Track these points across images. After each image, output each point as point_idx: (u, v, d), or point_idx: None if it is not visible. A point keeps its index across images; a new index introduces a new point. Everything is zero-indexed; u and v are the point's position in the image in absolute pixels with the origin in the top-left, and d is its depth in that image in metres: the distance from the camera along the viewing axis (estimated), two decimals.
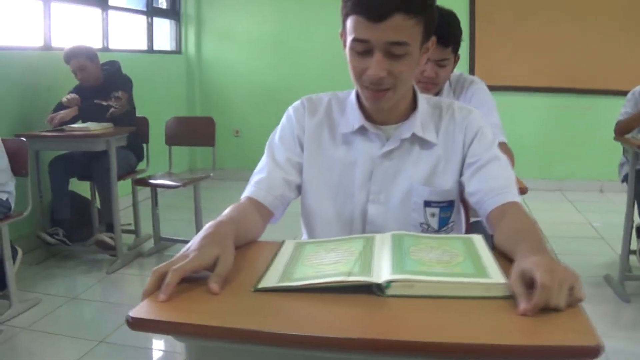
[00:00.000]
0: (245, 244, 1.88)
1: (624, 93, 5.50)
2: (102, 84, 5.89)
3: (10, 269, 4.59)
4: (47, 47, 6.53)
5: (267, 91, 9.42)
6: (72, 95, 5.70)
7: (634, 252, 5.24)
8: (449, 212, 2.13)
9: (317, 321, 1.40)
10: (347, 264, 1.57)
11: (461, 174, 2.11)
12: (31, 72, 6.13)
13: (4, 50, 5.94)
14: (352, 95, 2.19)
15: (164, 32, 9.40)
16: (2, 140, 4.64)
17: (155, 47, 8.99)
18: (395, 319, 1.40)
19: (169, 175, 6.19)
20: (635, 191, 5.07)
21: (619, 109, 5.42)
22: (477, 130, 2.11)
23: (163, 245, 6.12)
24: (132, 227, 6.37)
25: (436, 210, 2.10)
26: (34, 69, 6.18)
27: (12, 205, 4.65)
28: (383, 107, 2.03)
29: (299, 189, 2.19)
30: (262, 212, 2.07)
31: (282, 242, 1.88)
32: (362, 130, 2.12)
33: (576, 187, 8.63)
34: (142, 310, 1.43)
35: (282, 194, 2.11)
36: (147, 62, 8.37)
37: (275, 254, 1.77)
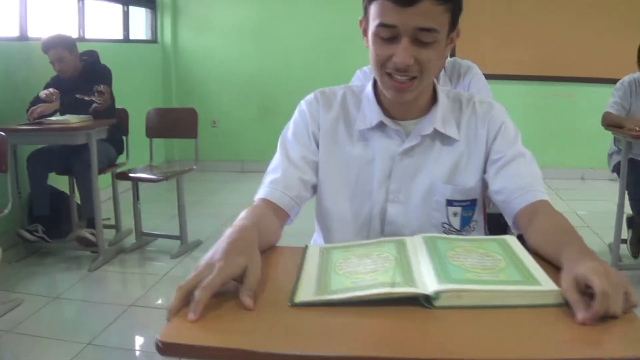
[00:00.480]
0: (265, 249, 1.74)
1: (607, 81, 5.46)
2: (80, 74, 5.73)
3: None
4: (23, 38, 6.37)
5: (246, 81, 9.31)
6: (51, 90, 5.52)
7: (624, 242, 5.19)
8: (472, 211, 2.04)
9: (370, 340, 1.28)
10: (386, 273, 1.47)
11: (484, 171, 2.02)
12: (7, 64, 5.98)
13: None
14: (368, 89, 2.08)
15: (139, 21, 9.22)
16: None
17: (131, 37, 8.84)
18: (449, 333, 1.28)
19: (149, 168, 6.04)
20: (627, 180, 5.01)
21: (602, 97, 5.37)
22: (500, 125, 2.02)
23: (145, 240, 5.98)
24: (111, 222, 6.24)
25: (458, 210, 2.02)
26: (9, 60, 6.03)
27: None
28: (406, 98, 1.91)
29: (314, 188, 2.09)
30: (278, 214, 1.95)
31: (305, 248, 1.76)
32: (380, 126, 2.02)
33: (558, 175, 8.54)
34: (171, 333, 1.28)
35: (298, 194, 2.00)
36: (123, 52, 8.19)
37: (302, 262, 1.64)
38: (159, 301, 4.83)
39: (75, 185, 6.03)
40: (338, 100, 2.11)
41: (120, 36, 8.53)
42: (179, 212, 5.80)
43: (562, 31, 8.36)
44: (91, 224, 5.58)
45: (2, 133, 4.65)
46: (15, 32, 6.32)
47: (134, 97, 7.44)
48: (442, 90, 2.07)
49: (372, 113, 2.03)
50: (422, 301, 1.36)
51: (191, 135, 5.95)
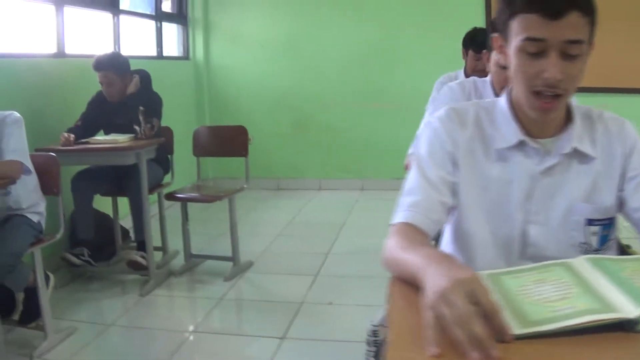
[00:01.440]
0: None
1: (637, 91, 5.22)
2: (130, 98, 5.45)
3: (45, 297, 4.19)
4: (60, 54, 6.16)
5: (279, 96, 9.08)
6: (68, 136, 5.22)
7: None
8: (610, 229, 1.96)
9: None
10: (580, 299, 1.43)
11: (620, 189, 1.95)
12: (44, 80, 5.74)
13: (16, 57, 5.54)
14: (502, 104, 1.99)
15: (171, 38, 9.01)
16: (30, 155, 4.22)
17: (164, 53, 8.62)
18: None
19: (197, 188, 5.80)
20: None
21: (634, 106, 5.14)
22: (634, 142, 1.96)
23: (194, 262, 5.73)
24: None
25: (597, 229, 1.94)
26: (47, 76, 5.79)
27: (43, 227, 4.27)
28: (551, 117, 1.88)
29: (449, 210, 1.98)
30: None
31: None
32: (520, 145, 1.94)
33: None
34: None
35: (439, 218, 1.92)
36: (157, 69, 7.92)
37: None
38: (221, 326, 4.61)
39: (116, 207, 5.88)
40: (471, 118, 2.01)
41: (154, 53, 8.31)
42: (231, 232, 5.55)
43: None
44: (141, 246, 5.35)
45: (53, 154, 4.41)
46: (52, 49, 6.11)
47: (167, 114, 7.20)
48: (575, 106, 1.99)
49: (511, 131, 1.94)
50: (626, 326, 1.34)
51: (241, 154, 5.71)
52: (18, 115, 4.09)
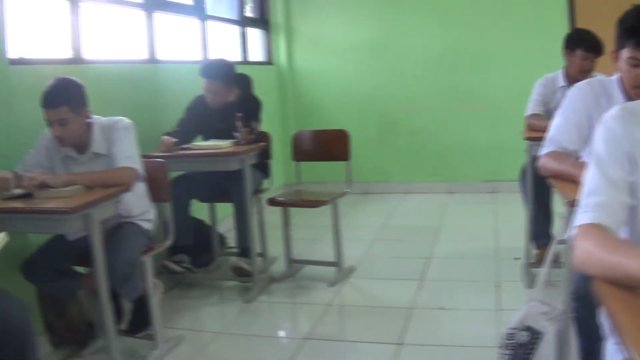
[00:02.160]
0: None
1: None
2: (231, 104, 5.32)
3: (155, 306, 4.10)
4: (152, 60, 6.11)
5: (363, 100, 8.92)
6: (170, 140, 5.14)
7: None
8: None
9: None
10: None
11: None
12: (137, 86, 5.67)
13: (111, 63, 5.53)
14: None
15: (254, 43, 8.94)
16: None
17: (248, 58, 8.55)
18: None
19: (298, 193, 5.67)
20: None
21: None
22: None
23: (295, 268, 5.60)
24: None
25: None
26: (139, 82, 5.73)
27: (152, 235, 4.19)
28: None
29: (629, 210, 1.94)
30: None
31: None
32: None
33: None
34: None
35: (622, 219, 1.90)
36: None
37: None
38: (333, 333, 4.48)
39: (214, 213, 5.82)
40: None
41: (239, 58, 8.24)
42: (335, 237, 5.41)
43: None
44: (244, 253, 5.24)
45: (162, 160, 4.31)
46: (144, 55, 6.07)
47: None
48: None
49: None
50: None
51: (342, 158, 5.55)
52: (128, 121, 4.02)
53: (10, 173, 3.68)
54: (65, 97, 3.74)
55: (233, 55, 8.13)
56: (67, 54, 5.01)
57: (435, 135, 8.71)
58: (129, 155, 3.89)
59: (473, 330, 4.20)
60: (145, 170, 4.10)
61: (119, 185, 3.71)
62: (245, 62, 8.29)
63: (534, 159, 4.25)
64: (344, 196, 5.49)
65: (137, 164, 3.91)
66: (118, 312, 4.17)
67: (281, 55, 9.20)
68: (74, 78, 3.88)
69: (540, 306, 2.89)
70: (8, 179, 3.62)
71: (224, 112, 5.28)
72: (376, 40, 8.85)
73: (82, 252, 3.89)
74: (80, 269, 4.11)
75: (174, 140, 5.02)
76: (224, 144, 5.05)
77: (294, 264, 5.59)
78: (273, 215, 5.73)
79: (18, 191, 3.59)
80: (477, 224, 6.98)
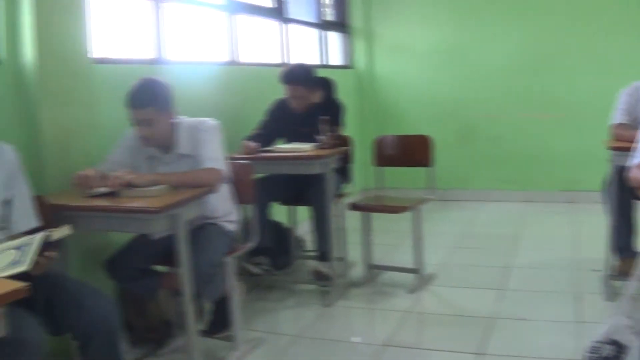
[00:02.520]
0: None
1: None
2: (312, 107, 5.32)
3: (237, 307, 4.09)
4: (234, 62, 6.17)
5: (442, 106, 8.81)
6: (250, 143, 5.15)
7: None
8: None
9: None
10: None
11: None
12: (219, 88, 5.73)
13: (191, 65, 5.60)
14: None
15: (334, 46, 8.95)
16: None
17: (329, 62, 8.57)
18: None
19: (379, 198, 5.61)
20: None
21: None
22: None
23: (374, 273, 5.55)
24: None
25: None
26: (222, 84, 5.78)
27: (236, 236, 4.19)
28: None
29: None
30: None
31: None
32: None
33: None
34: None
35: None
36: None
37: None
38: (412, 340, 4.42)
39: (293, 216, 5.85)
40: None
41: (319, 61, 8.23)
42: (415, 244, 5.34)
43: None
44: (323, 257, 5.22)
45: (247, 162, 4.32)
46: (225, 57, 6.12)
47: None
48: None
49: None
50: None
51: (424, 164, 5.48)
52: (215, 122, 4.02)
53: (95, 171, 3.70)
54: (151, 97, 3.76)
55: (313, 58, 8.13)
56: (150, 54, 5.07)
57: (513, 142, 8.56)
58: (214, 156, 3.88)
59: (553, 342, 4.09)
60: (230, 171, 4.09)
61: (204, 186, 3.70)
62: (325, 66, 8.28)
63: (619, 169, 4.14)
64: (425, 203, 5.40)
65: (222, 166, 3.90)
66: (198, 312, 4.18)
67: (360, 59, 9.17)
68: (159, 78, 3.90)
69: (626, 320, 2.82)
70: (92, 177, 3.64)
71: (306, 115, 5.27)
72: (456, 44, 8.74)
73: (163, 251, 3.92)
74: (161, 269, 4.13)
75: (255, 144, 5.02)
76: (306, 147, 5.02)
77: (373, 270, 5.54)
78: (352, 219, 5.67)
79: (102, 189, 3.60)
80: (555, 233, 6.85)
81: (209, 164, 3.84)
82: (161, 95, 3.82)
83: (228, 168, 3.99)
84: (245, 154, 4.94)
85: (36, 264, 2.63)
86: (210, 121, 4.01)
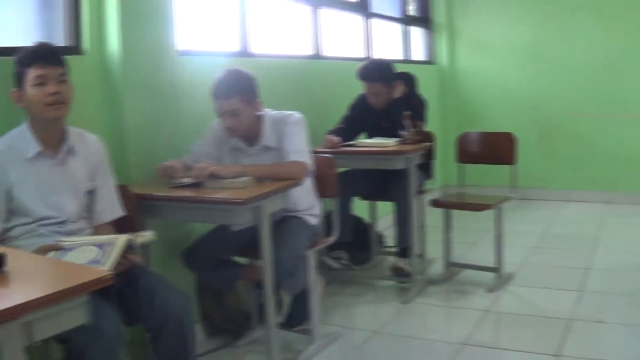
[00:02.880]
0: None
1: None
2: (394, 102, 5.26)
3: (316, 301, 4.12)
4: (317, 56, 6.17)
5: (524, 104, 8.68)
6: (333, 138, 5.15)
7: None
8: None
9: None
10: None
11: None
12: (303, 81, 5.75)
13: (275, 58, 5.61)
14: None
15: (416, 42, 8.90)
16: None
17: (411, 57, 8.53)
18: None
19: (461, 195, 5.59)
20: None
21: None
22: None
23: (453, 271, 5.52)
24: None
25: None
26: (305, 77, 5.80)
27: (318, 230, 4.19)
28: None
29: None
30: None
31: None
32: None
33: None
34: None
35: None
36: None
37: None
38: (490, 340, 4.37)
39: (374, 211, 5.82)
40: None
41: (401, 56, 8.21)
42: (496, 242, 5.28)
43: None
44: (403, 253, 5.19)
45: (330, 156, 4.32)
46: (309, 51, 6.14)
47: None
48: None
49: None
50: None
51: (507, 162, 5.41)
52: (300, 115, 4.02)
53: (178, 162, 3.75)
54: (237, 88, 3.78)
55: (395, 54, 8.10)
56: (234, 47, 5.10)
57: (596, 142, 8.38)
58: (300, 149, 3.88)
59: (631, 345, 4.02)
60: (313, 165, 4.11)
61: (289, 179, 3.71)
62: (407, 61, 8.25)
63: None
64: (507, 201, 5.35)
65: (307, 159, 3.90)
66: (277, 305, 4.20)
67: (442, 55, 9.11)
68: (245, 69, 3.92)
69: None
70: (176, 168, 3.69)
71: (388, 110, 5.24)
72: (539, 42, 8.58)
73: (243, 243, 3.96)
74: (240, 260, 4.17)
75: (338, 139, 5.03)
76: (389, 142, 5.00)
77: (452, 267, 5.51)
78: (431, 216, 5.65)
79: (186, 180, 3.64)
80: (636, 235, 6.71)
81: (294, 157, 3.85)
82: (246, 86, 3.83)
83: (312, 162, 3.99)
84: (328, 148, 4.95)
85: (117, 264, 2.69)
86: (295, 114, 4.01)
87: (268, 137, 3.95)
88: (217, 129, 4.01)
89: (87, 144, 3.21)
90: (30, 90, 2.90)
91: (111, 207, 3.28)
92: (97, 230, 3.22)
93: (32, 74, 2.88)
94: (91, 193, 3.21)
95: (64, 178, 3.09)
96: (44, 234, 3.01)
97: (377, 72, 5.25)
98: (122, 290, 2.97)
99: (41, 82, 2.89)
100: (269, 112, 4.00)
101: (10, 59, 2.99)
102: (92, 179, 3.21)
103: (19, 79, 2.93)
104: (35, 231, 3.01)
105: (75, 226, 3.11)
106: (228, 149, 4.04)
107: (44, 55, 2.91)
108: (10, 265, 2.04)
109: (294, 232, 3.93)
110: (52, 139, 3.06)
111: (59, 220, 3.06)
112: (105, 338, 2.61)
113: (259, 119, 3.95)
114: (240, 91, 3.77)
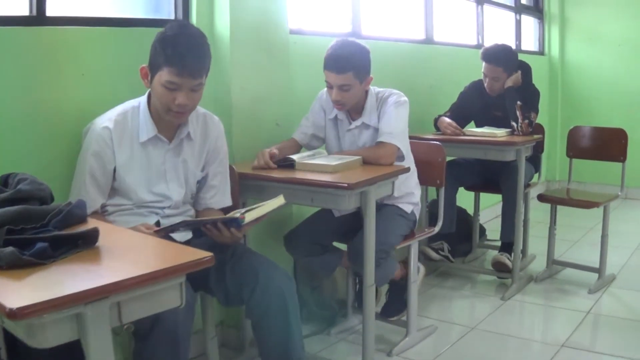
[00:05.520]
0: None
1: None
2: (508, 91, 5.11)
3: (414, 293, 4.03)
4: (428, 40, 6.12)
5: (638, 100, 8.38)
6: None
7: None
8: None
9: None
10: None
11: None
12: (412, 65, 5.69)
13: (386, 41, 5.53)
14: None
15: (527, 32, 8.73)
16: (412, 143, 4.04)
17: (522, 47, 8.39)
18: None
19: (568, 191, 5.43)
20: None
21: None
22: None
23: (555, 269, 5.37)
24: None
25: None
26: (415, 61, 5.74)
27: (417, 218, 4.07)
28: None
29: None
30: None
31: None
32: None
33: None
34: None
35: None
36: None
37: None
38: (590, 344, 4.21)
39: (478, 203, 5.73)
40: None
41: (512, 46, 8.04)
42: (602, 242, 5.11)
43: None
44: (505, 247, 5.12)
45: (438, 143, 4.23)
46: (420, 35, 6.09)
47: None
48: None
49: None
50: None
51: (618, 159, 5.27)
52: (402, 97, 3.86)
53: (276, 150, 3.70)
54: (353, 62, 3.64)
55: (506, 42, 7.94)
56: (346, 28, 5.08)
57: None
58: (392, 131, 3.73)
59: None
60: (420, 152, 4.04)
61: (375, 162, 3.64)
62: (518, 51, 8.06)
63: None
64: (615, 200, 5.18)
65: (399, 142, 3.74)
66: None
67: (553, 46, 8.88)
68: (361, 42, 3.80)
69: None
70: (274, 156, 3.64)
71: (501, 99, 5.11)
72: None
73: (343, 228, 3.90)
74: (339, 246, 4.10)
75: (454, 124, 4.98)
76: (499, 133, 4.91)
77: (554, 265, 5.36)
78: (534, 211, 5.51)
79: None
80: None
81: (384, 138, 3.72)
82: (362, 60, 3.69)
83: (407, 146, 3.89)
84: (448, 133, 4.98)
85: (221, 236, 2.65)
86: (398, 95, 3.86)
87: (368, 115, 3.85)
88: (324, 97, 3.95)
89: (208, 128, 3.15)
90: (158, 87, 2.80)
91: (221, 196, 3.24)
92: (200, 214, 3.20)
93: (165, 76, 2.74)
94: (204, 178, 3.19)
95: (175, 165, 3.05)
96: (141, 213, 2.99)
97: (501, 56, 5.12)
98: (221, 268, 2.93)
99: (172, 88, 2.76)
100: (374, 89, 3.90)
101: (129, 30, 2.96)
102: (207, 165, 3.18)
103: (152, 66, 2.82)
104: (132, 209, 2.99)
105: (176, 211, 3.09)
106: (331, 118, 3.97)
107: (187, 65, 2.74)
108: (105, 240, 2.01)
109: (386, 220, 3.79)
110: (170, 124, 2.99)
111: (161, 206, 3.04)
112: (168, 325, 2.49)
113: (365, 95, 3.86)
114: (355, 66, 3.64)
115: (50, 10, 3.12)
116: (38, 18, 3.08)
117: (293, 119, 4.13)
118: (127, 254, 2.02)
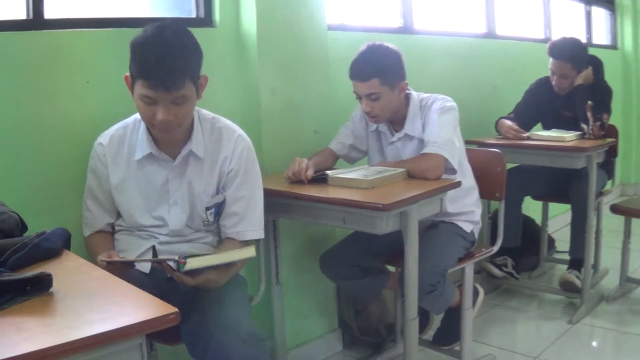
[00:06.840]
0: None
1: None
2: (577, 90, 4.67)
3: (468, 321, 3.55)
4: (491, 35, 5.78)
5: None
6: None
7: None
8: None
9: None
10: None
11: None
12: (473, 62, 5.32)
13: (442, 36, 5.15)
14: None
15: (599, 25, 8.27)
16: (469, 150, 3.61)
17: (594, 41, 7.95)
18: None
19: None
20: None
21: None
22: None
23: (628, 287, 4.87)
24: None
25: None
26: (475, 59, 5.37)
27: (475, 238, 3.60)
28: None
29: None
30: None
31: None
32: None
33: None
34: None
35: None
36: None
37: None
38: None
39: (546, 212, 5.28)
40: None
41: (582, 39, 7.59)
42: None
43: None
44: (575, 264, 4.69)
45: (498, 150, 3.78)
46: (481, 29, 5.77)
47: None
48: None
49: None
50: None
51: None
52: (450, 102, 3.42)
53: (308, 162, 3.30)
54: (377, 67, 3.26)
55: (576, 36, 7.51)
56: (396, 22, 4.79)
57: None
58: (438, 141, 3.27)
59: None
60: (477, 161, 3.62)
61: (421, 176, 3.19)
62: (588, 45, 7.60)
63: None
64: None
65: (446, 152, 3.27)
66: (424, 319, 3.70)
67: (627, 39, 8.37)
68: (389, 45, 3.39)
69: None
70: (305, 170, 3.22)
71: (570, 98, 4.68)
72: None
73: (388, 247, 3.45)
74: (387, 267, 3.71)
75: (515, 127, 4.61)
76: (568, 136, 4.49)
77: (629, 283, 4.87)
78: (606, 219, 5.02)
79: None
80: None
81: (429, 149, 3.27)
82: (389, 65, 3.31)
83: (459, 156, 3.40)
84: (510, 138, 4.60)
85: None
86: (443, 99, 3.42)
87: (411, 125, 3.43)
88: None
89: (222, 145, 2.70)
90: (137, 100, 2.43)
91: (244, 226, 2.73)
92: (222, 244, 2.76)
93: (139, 89, 2.38)
94: (222, 205, 2.74)
95: (179, 186, 2.67)
96: (140, 235, 2.69)
97: (569, 51, 4.69)
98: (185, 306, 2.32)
99: (149, 102, 2.39)
100: (418, 96, 3.49)
101: (138, 31, 2.57)
102: (225, 189, 2.72)
103: (131, 75, 2.44)
104: (132, 231, 2.70)
105: (175, 238, 2.71)
106: (372, 130, 3.59)
107: (159, 78, 2.34)
108: (63, 284, 1.75)
109: (440, 241, 3.38)
110: (171, 139, 2.61)
111: (160, 232, 2.69)
112: None
113: (406, 102, 3.45)
114: (381, 72, 3.25)
115: (49, 13, 2.91)
116: (35, 22, 2.86)
117: (334, 125, 3.75)
118: (79, 305, 1.66)
